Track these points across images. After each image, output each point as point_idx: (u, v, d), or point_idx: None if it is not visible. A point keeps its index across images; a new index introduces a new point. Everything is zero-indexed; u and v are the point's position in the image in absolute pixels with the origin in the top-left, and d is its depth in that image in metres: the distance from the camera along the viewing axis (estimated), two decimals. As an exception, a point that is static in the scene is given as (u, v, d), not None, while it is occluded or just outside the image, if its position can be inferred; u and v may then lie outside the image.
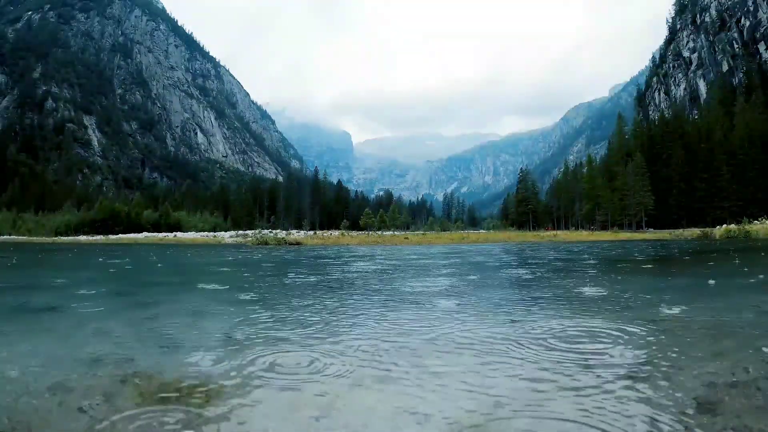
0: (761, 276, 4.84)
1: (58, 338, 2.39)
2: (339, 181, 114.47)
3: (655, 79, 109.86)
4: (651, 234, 33.65)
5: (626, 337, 2.21)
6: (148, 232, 47.31)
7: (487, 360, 1.85)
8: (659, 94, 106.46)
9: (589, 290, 4.09)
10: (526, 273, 6.36)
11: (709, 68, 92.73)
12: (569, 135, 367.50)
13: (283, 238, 22.56)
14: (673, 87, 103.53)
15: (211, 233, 43.08)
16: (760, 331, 2.34)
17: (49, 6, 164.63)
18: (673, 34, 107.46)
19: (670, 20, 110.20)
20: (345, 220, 62.03)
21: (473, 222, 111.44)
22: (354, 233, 39.77)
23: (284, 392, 1.49)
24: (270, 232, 34.70)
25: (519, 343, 2.10)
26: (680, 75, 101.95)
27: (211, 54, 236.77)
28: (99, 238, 39.55)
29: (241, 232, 42.98)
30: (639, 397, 1.40)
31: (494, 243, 22.15)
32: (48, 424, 1.26)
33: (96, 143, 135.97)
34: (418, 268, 7.40)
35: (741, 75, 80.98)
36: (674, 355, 1.87)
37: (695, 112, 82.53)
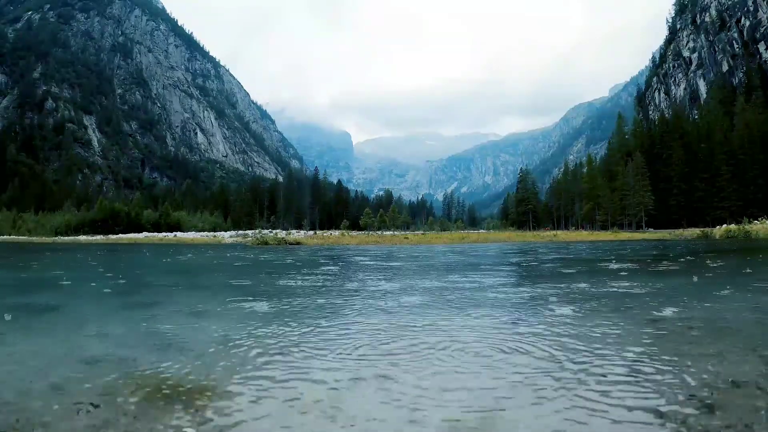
0: (760, 275, 4.84)
1: (58, 338, 2.39)
2: (339, 181, 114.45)
3: (655, 79, 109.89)
4: (651, 234, 33.63)
5: (625, 336, 2.21)
6: (148, 231, 47.29)
7: (486, 360, 1.85)
8: (659, 94, 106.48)
9: (589, 289, 4.09)
10: (529, 273, 6.36)
11: (709, 68, 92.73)
12: (569, 135, 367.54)
13: (283, 238, 22.54)
14: (673, 87, 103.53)
15: (211, 233, 43.07)
16: (760, 331, 2.34)
17: (49, 6, 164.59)
18: (673, 34, 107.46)
19: (670, 20, 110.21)
20: (345, 220, 62.11)
21: (473, 222, 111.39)
22: (354, 233, 39.76)
23: (284, 392, 1.49)
24: (270, 232, 34.69)
25: (519, 343, 2.10)
26: (680, 75, 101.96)
27: (211, 54, 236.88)
28: (99, 237, 39.56)
29: (241, 232, 42.97)
30: (639, 397, 1.41)
31: (494, 243, 22.16)
32: (48, 424, 1.26)
33: (96, 143, 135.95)
34: (419, 267, 7.40)
35: (741, 75, 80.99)
36: (674, 355, 1.87)
37: (695, 112, 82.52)
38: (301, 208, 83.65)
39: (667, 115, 70.32)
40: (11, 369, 1.79)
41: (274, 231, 38.18)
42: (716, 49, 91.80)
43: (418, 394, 1.46)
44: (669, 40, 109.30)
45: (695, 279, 5.13)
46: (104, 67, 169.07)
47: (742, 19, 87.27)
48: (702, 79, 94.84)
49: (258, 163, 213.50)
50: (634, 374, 1.62)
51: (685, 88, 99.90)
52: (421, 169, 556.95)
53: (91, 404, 1.38)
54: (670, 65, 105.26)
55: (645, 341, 2.12)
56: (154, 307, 3.43)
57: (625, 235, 33.05)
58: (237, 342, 2.20)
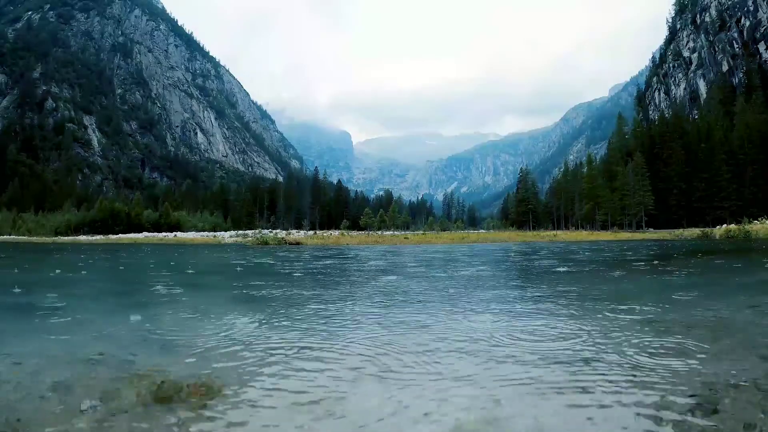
0: (759, 275, 4.84)
1: (58, 338, 2.39)
2: (339, 181, 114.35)
3: (655, 79, 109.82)
4: (651, 234, 33.64)
5: (625, 336, 2.21)
6: (148, 232, 47.31)
7: (486, 359, 1.85)
8: (659, 94, 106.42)
9: (589, 290, 4.09)
10: (530, 274, 6.36)
11: (709, 68, 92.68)
12: (569, 135, 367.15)
13: (283, 238, 22.56)
14: (673, 87, 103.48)
15: (211, 233, 43.11)
16: (760, 330, 2.34)
17: (49, 6, 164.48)
18: (673, 34, 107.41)
19: (670, 20, 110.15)
20: (345, 220, 62.01)
21: (473, 222, 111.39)
22: (354, 233, 39.77)
23: (284, 392, 1.49)
24: (270, 232, 34.70)
25: (519, 343, 2.10)
26: (680, 75, 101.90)
27: (211, 54, 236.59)
28: (99, 237, 39.58)
29: (241, 232, 42.98)
30: (639, 396, 1.40)
31: (494, 243, 22.15)
32: (48, 424, 1.26)
33: (96, 143, 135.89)
34: (419, 267, 7.40)
35: (741, 75, 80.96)
36: (674, 354, 1.87)
37: (695, 112, 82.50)
38: (301, 208, 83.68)
39: (667, 115, 70.29)
40: (11, 369, 1.79)
41: (274, 231, 38.20)
42: (716, 49, 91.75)
43: (418, 394, 1.46)
44: (669, 40, 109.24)
45: (694, 279, 5.13)
46: (104, 67, 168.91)
47: (742, 19, 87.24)
48: (702, 79, 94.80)
49: (258, 163, 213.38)
50: (634, 374, 1.61)
51: (685, 88, 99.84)
52: (421, 169, 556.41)
53: (91, 404, 1.38)
54: (670, 65, 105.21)
55: (644, 341, 2.12)
56: (153, 308, 3.43)
57: (625, 235, 33.05)
58: (237, 342, 2.20)
